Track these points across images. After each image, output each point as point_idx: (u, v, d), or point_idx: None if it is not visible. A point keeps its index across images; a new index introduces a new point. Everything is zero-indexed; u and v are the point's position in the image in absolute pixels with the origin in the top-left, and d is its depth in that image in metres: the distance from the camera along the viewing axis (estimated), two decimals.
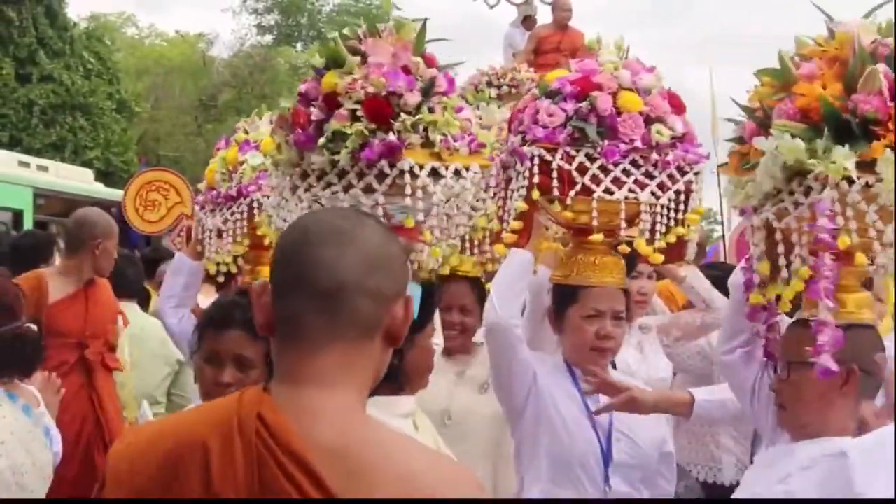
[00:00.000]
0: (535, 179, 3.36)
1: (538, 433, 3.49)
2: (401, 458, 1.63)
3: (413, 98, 3.21)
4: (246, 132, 4.24)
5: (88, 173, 17.28)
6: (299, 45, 35.69)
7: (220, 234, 4.22)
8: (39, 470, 3.40)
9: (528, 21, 11.86)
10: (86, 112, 24.72)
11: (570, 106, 3.40)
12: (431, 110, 3.24)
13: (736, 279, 3.02)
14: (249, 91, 32.12)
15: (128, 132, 27.00)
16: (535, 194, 3.36)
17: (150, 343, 5.76)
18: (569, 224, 3.52)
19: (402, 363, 2.85)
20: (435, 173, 3.24)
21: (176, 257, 4.61)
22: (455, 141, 3.28)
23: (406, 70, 3.23)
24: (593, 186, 3.35)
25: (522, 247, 3.43)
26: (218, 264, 4.26)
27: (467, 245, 4.16)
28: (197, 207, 4.48)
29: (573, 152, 3.36)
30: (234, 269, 4.34)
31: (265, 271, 4.17)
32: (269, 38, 36.76)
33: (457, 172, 3.31)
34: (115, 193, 15.65)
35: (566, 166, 3.35)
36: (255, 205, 4.09)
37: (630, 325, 3.99)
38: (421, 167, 3.21)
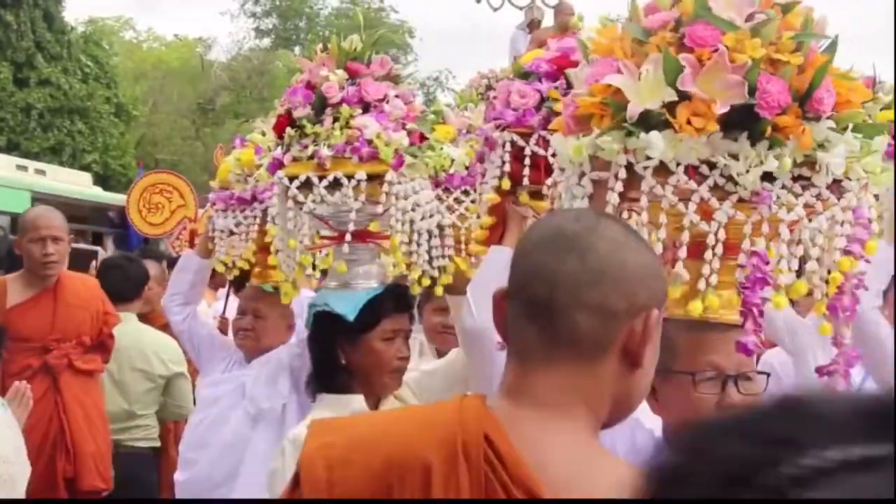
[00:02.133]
0: (506, 168, 3.06)
1: None
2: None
3: (300, 112, 3.26)
4: (263, 133, 4.17)
5: (86, 177, 17.28)
6: (297, 49, 35.64)
7: (231, 234, 4.20)
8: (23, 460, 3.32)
9: (533, 25, 11.81)
10: (84, 116, 24.69)
11: (544, 86, 3.08)
12: (322, 122, 3.24)
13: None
14: (248, 95, 32.12)
15: (126, 136, 26.98)
16: (506, 184, 3.05)
17: (128, 354, 5.59)
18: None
19: (348, 363, 3.00)
20: (308, 184, 3.22)
21: (183, 255, 4.59)
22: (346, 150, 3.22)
23: (309, 85, 3.29)
24: None
25: (497, 243, 3.12)
26: (227, 265, 4.24)
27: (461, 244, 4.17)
28: (209, 205, 4.45)
29: (549, 136, 2.93)
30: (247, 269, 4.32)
31: (272, 274, 4.13)
32: (267, 42, 36.75)
33: (336, 182, 3.19)
34: (113, 197, 15.64)
35: (541, 152, 3.01)
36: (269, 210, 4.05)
37: None
38: (292, 179, 3.24)
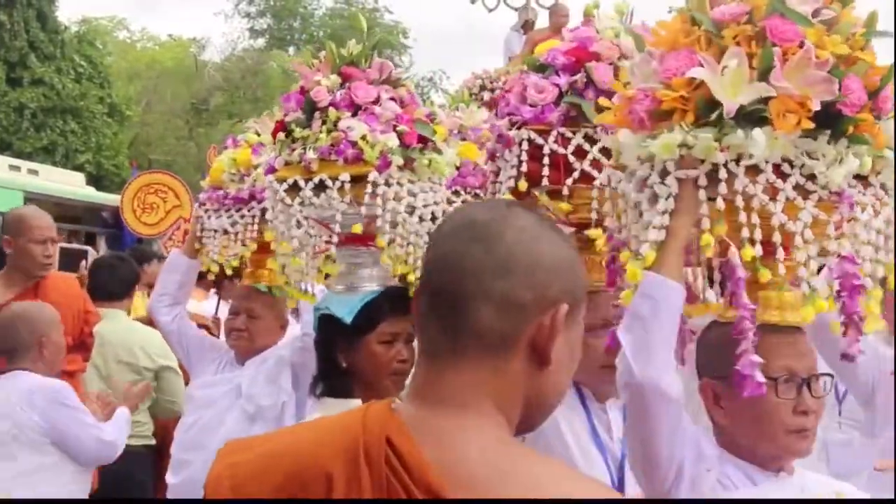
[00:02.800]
0: (524, 167, 2.90)
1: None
2: (551, 491, 1.35)
3: (291, 117, 3.28)
4: (258, 133, 4.17)
5: (79, 177, 17.23)
6: (292, 49, 35.61)
7: (225, 233, 4.19)
8: None
9: (527, 25, 11.84)
10: (77, 116, 24.64)
11: (562, 80, 2.90)
12: (309, 126, 3.24)
13: None
14: (241, 95, 32.07)
15: (119, 136, 26.92)
16: (523, 185, 2.90)
17: (115, 349, 5.61)
18: (566, 219, 2.98)
19: (348, 367, 2.99)
20: (295, 186, 3.22)
21: (171, 255, 4.57)
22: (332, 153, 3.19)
23: (303, 91, 3.30)
24: (595, 172, 2.82)
25: None
26: (221, 266, 4.24)
27: None
28: (197, 205, 4.43)
29: (569, 134, 2.88)
30: (229, 271, 4.31)
31: (266, 275, 4.13)
32: (261, 42, 36.69)
33: (321, 184, 3.17)
34: (106, 197, 15.62)
35: (560, 150, 2.87)
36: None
37: None
38: (280, 182, 3.25)
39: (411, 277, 3.30)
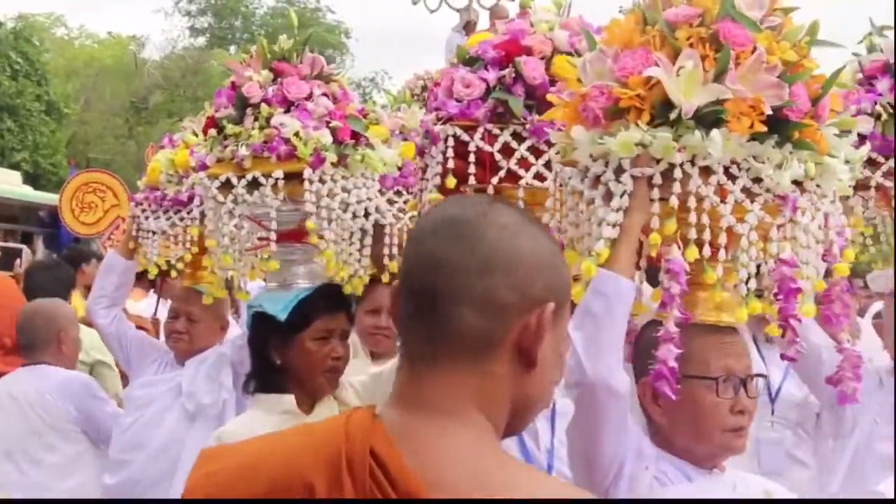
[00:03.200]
0: (450, 164, 2.81)
1: None
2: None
3: (222, 113, 3.27)
4: (195, 133, 4.15)
5: (16, 176, 17.01)
6: (233, 48, 35.34)
7: (162, 234, 4.18)
8: None
9: (469, 26, 11.84)
10: (13, 114, 24.30)
11: (491, 75, 2.79)
12: (241, 122, 3.23)
13: None
14: (181, 94, 31.78)
15: (57, 134, 26.57)
16: (451, 182, 2.80)
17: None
18: None
19: (282, 364, 3.01)
20: (228, 184, 3.21)
21: (107, 256, 4.53)
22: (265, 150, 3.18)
23: (234, 87, 3.28)
24: (521, 172, 2.77)
25: None
26: (159, 268, 4.24)
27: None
28: (132, 205, 4.40)
29: (496, 131, 2.79)
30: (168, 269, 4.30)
31: (205, 276, 4.10)
32: (202, 41, 36.40)
33: (254, 182, 3.17)
34: (43, 196, 15.42)
35: (487, 148, 2.78)
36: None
37: None
38: (212, 179, 3.24)
39: (342, 274, 3.30)
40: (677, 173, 2.15)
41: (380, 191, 4.24)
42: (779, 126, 2.13)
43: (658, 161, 2.16)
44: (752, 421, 2.30)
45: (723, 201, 2.14)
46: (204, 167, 3.26)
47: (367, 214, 3.30)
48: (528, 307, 1.37)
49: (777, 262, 2.15)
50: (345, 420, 1.41)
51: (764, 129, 2.10)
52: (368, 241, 3.36)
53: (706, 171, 2.14)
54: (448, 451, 1.35)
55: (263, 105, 3.19)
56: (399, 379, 1.42)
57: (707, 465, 2.30)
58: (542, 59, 2.79)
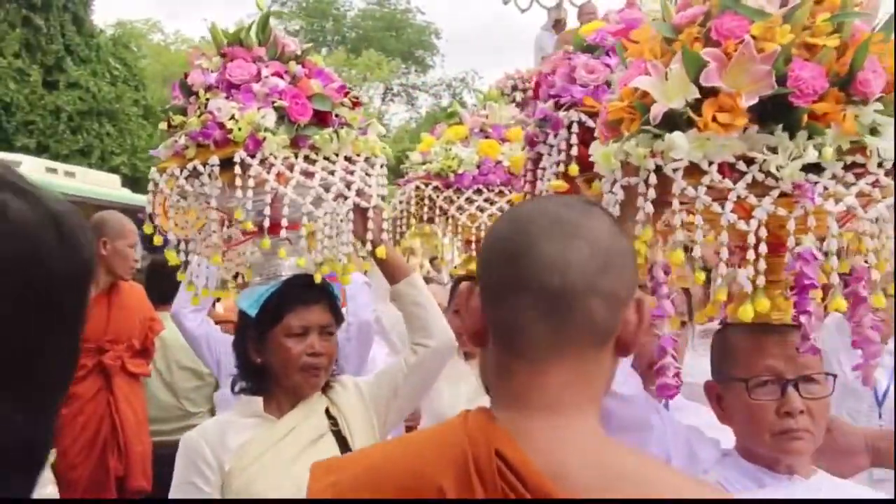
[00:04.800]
0: (573, 151, 2.71)
1: None
2: (666, 490, 1.39)
3: (171, 105, 3.11)
4: None
5: (115, 179, 17.36)
6: (324, 50, 35.74)
7: None
8: None
9: (558, 25, 11.80)
10: (112, 118, 24.82)
11: (614, 60, 2.71)
12: (185, 112, 3.06)
13: None
14: None
15: (154, 138, 27.08)
16: (574, 169, 2.69)
17: (175, 353, 5.70)
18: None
19: (262, 362, 2.89)
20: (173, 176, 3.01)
21: (194, 261, 4.57)
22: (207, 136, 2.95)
23: (185, 76, 3.12)
24: None
25: None
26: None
27: (473, 243, 4.15)
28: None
29: None
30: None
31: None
32: None
33: (195, 171, 2.94)
34: (141, 199, 15.69)
35: None
36: None
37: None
38: (161, 172, 3.06)
39: (300, 262, 3.02)
40: (652, 179, 2.10)
41: (457, 189, 4.23)
42: (783, 113, 2.03)
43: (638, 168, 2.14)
44: (824, 421, 2.21)
45: (716, 199, 2.06)
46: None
47: (343, 197, 3.00)
48: (629, 299, 1.48)
49: (793, 256, 2.05)
50: (462, 424, 1.45)
51: (743, 122, 2.01)
52: (346, 226, 3.01)
53: (697, 172, 2.07)
54: (570, 448, 1.40)
55: (202, 91, 3.02)
56: (513, 380, 1.46)
57: (780, 469, 2.23)
58: None
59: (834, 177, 2.03)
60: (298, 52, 3.12)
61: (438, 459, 1.42)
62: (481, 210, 4.10)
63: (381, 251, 3.03)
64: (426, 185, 4.33)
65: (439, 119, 3.80)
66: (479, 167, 4.12)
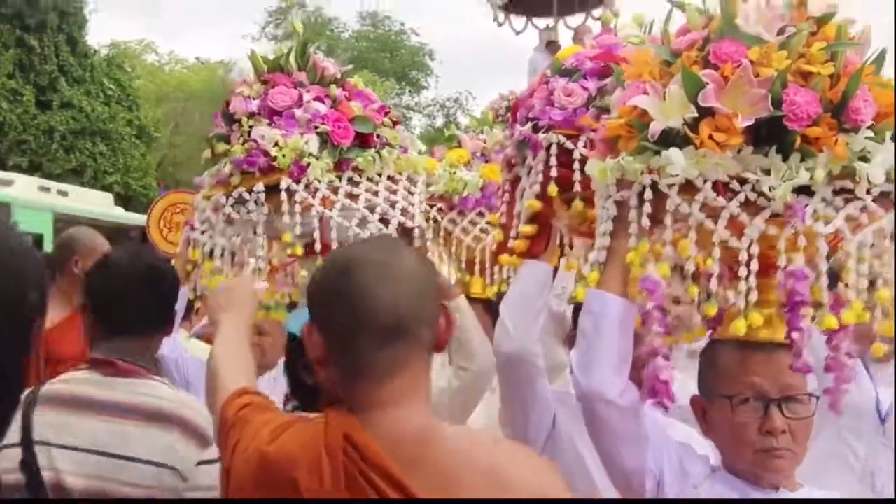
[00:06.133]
0: (553, 172, 2.77)
1: None
2: (482, 458, 1.73)
3: (213, 133, 3.13)
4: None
5: (108, 198, 17.38)
6: None
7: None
8: None
9: (551, 46, 11.89)
10: (105, 138, 24.85)
11: (592, 84, 2.81)
12: (228, 140, 3.07)
13: None
14: None
15: (147, 158, 27.11)
16: (553, 189, 2.77)
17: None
18: (588, 229, 2.86)
19: (314, 383, 2.79)
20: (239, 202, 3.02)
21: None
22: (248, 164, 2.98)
23: (227, 104, 3.14)
24: None
25: (537, 257, 2.86)
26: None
27: (476, 265, 4.15)
28: (187, 228, 4.36)
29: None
30: None
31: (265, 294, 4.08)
32: None
33: (240, 198, 2.97)
34: (134, 217, 15.74)
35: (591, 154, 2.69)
36: None
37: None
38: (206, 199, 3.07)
39: None
40: (647, 194, 2.16)
41: (461, 212, 4.24)
42: (777, 136, 2.08)
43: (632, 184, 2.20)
44: (806, 440, 2.22)
45: (709, 216, 2.11)
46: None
47: (385, 219, 2.99)
48: (439, 312, 1.86)
49: (784, 274, 2.09)
50: (326, 419, 1.83)
51: (738, 142, 2.07)
52: None
53: (691, 189, 2.12)
54: (404, 429, 1.77)
55: (244, 118, 3.04)
56: (358, 390, 1.81)
57: (765, 484, 2.24)
58: None
59: (824, 200, 2.09)
60: (338, 76, 3.13)
61: (302, 442, 1.81)
62: (484, 232, 4.11)
63: None
64: (430, 206, 4.34)
65: (434, 140, 3.79)
66: (481, 190, 4.13)
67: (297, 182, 2.90)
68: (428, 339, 1.82)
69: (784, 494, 2.24)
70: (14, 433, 2.68)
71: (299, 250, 2.96)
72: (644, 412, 2.26)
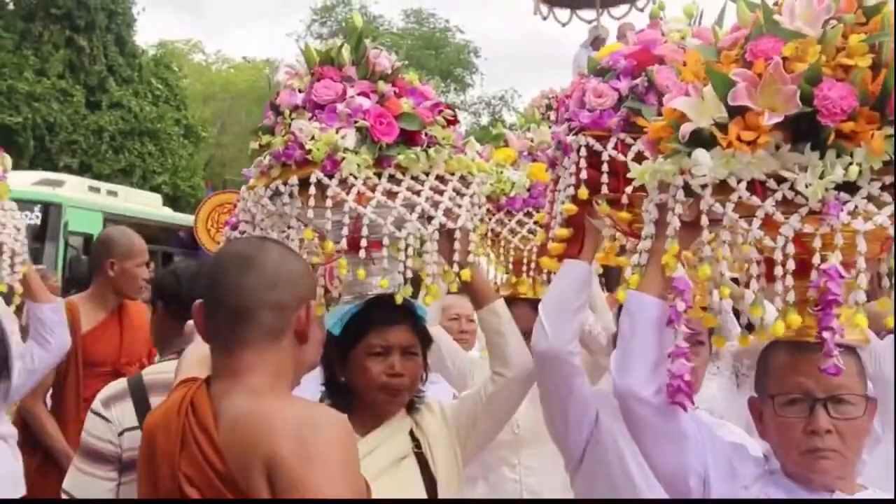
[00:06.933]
0: (583, 175, 2.77)
1: (595, 489, 2.91)
2: (279, 414, 1.98)
3: (261, 125, 3.10)
4: None
5: (157, 198, 17.54)
6: None
7: None
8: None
9: (597, 42, 11.79)
10: (154, 138, 25.08)
11: (623, 84, 2.79)
12: (273, 132, 3.03)
13: None
14: None
15: (195, 157, 27.33)
16: (584, 192, 2.76)
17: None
18: (627, 229, 2.87)
19: (347, 381, 2.87)
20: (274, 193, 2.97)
21: None
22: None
23: (277, 95, 3.10)
24: None
25: (574, 257, 2.84)
26: None
27: (524, 266, 4.11)
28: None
29: (629, 140, 2.76)
30: None
31: None
32: None
33: (277, 190, 2.92)
34: (182, 218, 15.87)
35: (620, 157, 2.74)
36: None
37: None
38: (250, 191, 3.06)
39: (383, 284, 2.93)
40: (680, 195, 2.17)
41: (508, 212, 4.21)
42: (813, 132, 2.05)
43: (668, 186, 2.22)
44: (858, 442, 2.19)
45: (743, 216, 2.09)
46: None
47: (429, 218, 2.91)
48: (300, 304, 2.17)
49: (819, 273, 2.06)
50: (185, 388, 2.16)
51: (768, 141, 2.04)
52: (431, 247, 2.94)
53: (727, 189, 2.10)
54: (238, 398, 2.05)
55: (287, 111, 3.00)
56: (216, 360, 2.15)
57: (816, 486, 2.21)
58: (675, 68, 2.70)
59: (869, 196, 2.03)
60: (388, 71, 3.07)
61: (162, 415, 2.15)
62: (532, 233, 4.07)
63: (465, 274, 2.95)
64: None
65: (480, 139, 3.75)
66: (528, 190, 4.09)
67: (331, 177, 2.85)
68: (275, 325, 2.12)
69: (839, 497, 2.20)
70: (132, 417, 3.12)
71: (330, 246, 2.93)
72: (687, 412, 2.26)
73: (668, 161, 2.19)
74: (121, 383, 3.29)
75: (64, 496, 3.18)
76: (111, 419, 3.18)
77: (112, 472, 3.15)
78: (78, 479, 3.14)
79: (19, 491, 4.27)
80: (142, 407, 3.12)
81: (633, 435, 2.31)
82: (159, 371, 3.25)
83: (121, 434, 3.09)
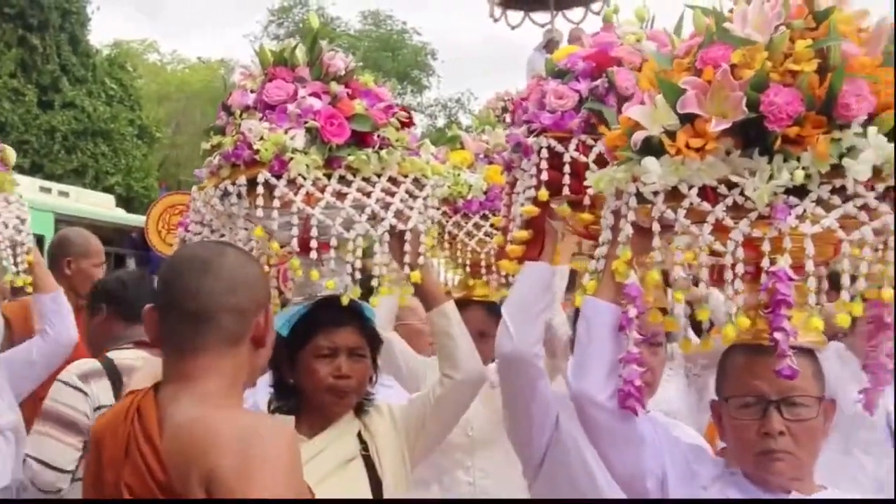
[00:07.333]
0: (544, 176, 2.78)
1: (557, 492, 2.92)
2: (224, 425, 1.92)
3: (212, 125, 3.11)
4: None
5: (109, 199, 17.40)
6: None
7: None
8: None
9: (551, 45, 11.85)
10: (107, 138, 24.84)
11: (583, 85, 2.81)
12: (224, 132, 3.03)
13: None
14: None
15: (149, 158, 27.10)
16: (544, 194, 2.78)
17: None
18: (584, 231, 2.90)
19: (295, 383, 2.89)
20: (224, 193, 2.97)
21: None
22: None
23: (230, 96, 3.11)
24: None
25: (534, 260, 2.85)
26: None
27: (481, 268, 4.12)
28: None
29: (590, 141, 2.77)
30: None
31: None
32: None
33: (226, 191, 2.90)
34: (136, 219, 15.73)
35: (582, 158, 2.76)
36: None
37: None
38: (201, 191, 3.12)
39: (330, 285, 2.92)
40: (632, 202, 2.21)
41: (465, 214, 4.20)
42: (761, 137, 2.08)
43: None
44: (812, 443, 2.22)
45: (695, 222, 2.12)
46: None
47: (380, 220, 2.91)
48: (259, 309, 2.12)
49: (768, 275, 2.08)
50: (135, 393, 2.13)
51: (715, 147, 2.07)
52: (381, 248, 2.94)
53: (679, 196, 2.13)
54: (186, 405, 2.00)
55: (238, 111, 3.00)
56: (168, 364, 2.11)
57: (774, 488, 2.25)
58: (632, 69, 2.76)
59: (818, 200, 2.05)
60: (342, 72, 3.06)
61: (108, 422, 2.14)
62: (489, 236, 4.07)
63: (414, 276, 2.95)
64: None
65: (436, 141, 3.74)
66: (485, 193, 4.10)
67: (279, 177, 2.84)
68: (235, 330, 2.08)
69: (795, 498, 2.24)
70: (108, 395, 3.24)
71: (276, 246, 2.94)
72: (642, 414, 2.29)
73: (621, 169, 2.23)
74: (92, 362, 3.33)
75: (30, 461, 3.19)
76: (90, 393, 3.20)
77: (79, 442, 3.22)
78: (45, 444, 3.20)
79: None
80: (117, 387, 3.26)
81: (589, 438, 2.33)
82: (125, 357, 3.38)
83: (96, 409, 3.17)
